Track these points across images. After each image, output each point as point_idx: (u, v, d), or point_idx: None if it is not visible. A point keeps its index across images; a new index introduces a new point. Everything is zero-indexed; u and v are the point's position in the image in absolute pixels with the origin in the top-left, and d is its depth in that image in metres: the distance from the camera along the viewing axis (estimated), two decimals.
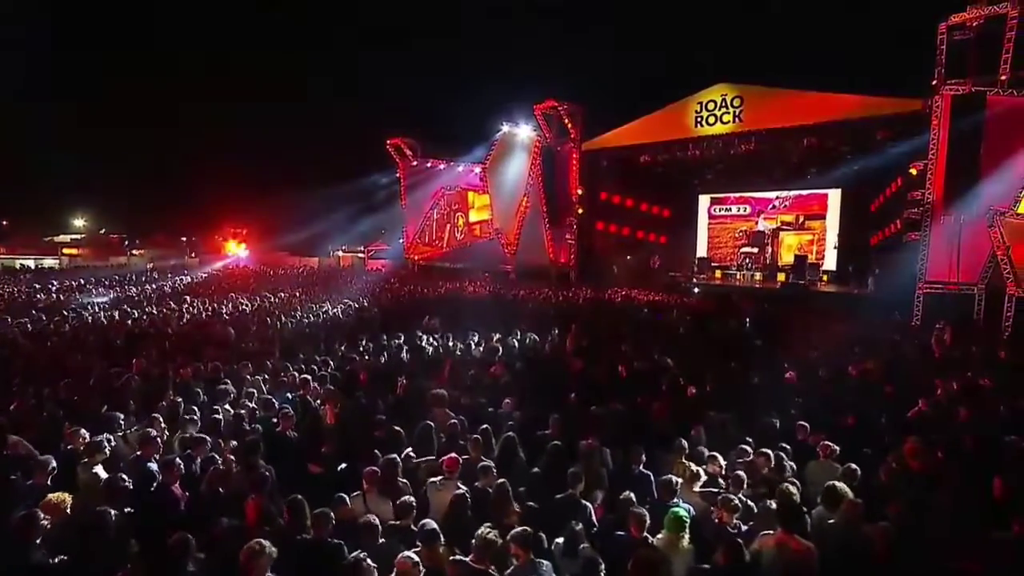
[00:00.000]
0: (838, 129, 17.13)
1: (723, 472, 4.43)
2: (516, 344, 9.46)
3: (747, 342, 9.97)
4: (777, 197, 23.00)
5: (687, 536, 3.41)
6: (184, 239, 39.63)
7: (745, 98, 18.58)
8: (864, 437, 5.52)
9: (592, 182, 23.69)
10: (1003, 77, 14.10)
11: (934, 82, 14.90)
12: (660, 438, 5.34)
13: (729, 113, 18.95)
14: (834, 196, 21.39)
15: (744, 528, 3.71)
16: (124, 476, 4.03)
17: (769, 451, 4.65)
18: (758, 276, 21.90)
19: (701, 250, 25.06)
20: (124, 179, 38.60)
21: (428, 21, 50.11)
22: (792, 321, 12.39)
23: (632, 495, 3.86)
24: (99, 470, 4.39)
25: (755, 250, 23.14)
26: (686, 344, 9.62)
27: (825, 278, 20.61)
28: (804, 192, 22.21)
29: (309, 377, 6.43)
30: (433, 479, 4.15)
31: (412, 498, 3.66)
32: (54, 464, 4.17)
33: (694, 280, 21.96)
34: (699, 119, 19.68)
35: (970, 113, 14.11)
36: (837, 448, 5.08)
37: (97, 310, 11.61)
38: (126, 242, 35.76)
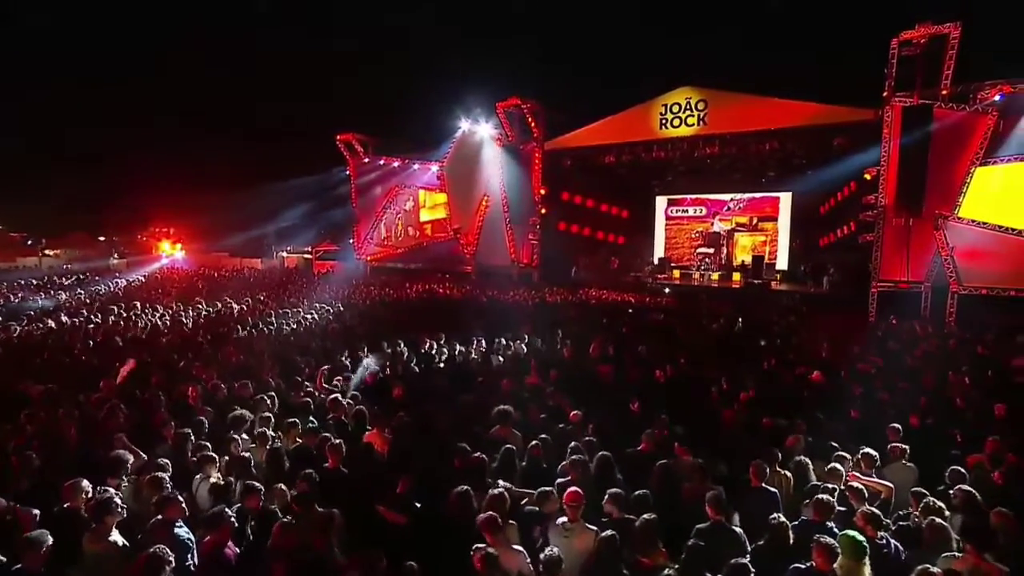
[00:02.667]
0: (798, 135, 17.91)
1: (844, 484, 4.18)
2: (526, 349, 8.98)
3: (753, 342, 10.03)
4: (732, 199, 23.88)
5: (868, 564, 3.09)
6: (103, 239, 35.33)
7: (709, 101, 19.05)
8: (931, 437, 5.51)
9: (555, 182, 23.52)
10: (944, 92, 15.29)
11: (885, 94, 15.93)
12: (736, 447, 5.11)
13: (694, 116, 19.36)
14: (785, 199, 22.50)
15: (904, 550, 3.45)
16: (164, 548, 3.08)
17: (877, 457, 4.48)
18: (715, 276, 22.59)
19: (659, 250, 25.59)
20: (24, 171, 34.12)
21: (382, 16, 48.25)
22: (778, 320, 12.71)
23: (781, 517, 3.50)
24: (116, 538, 3.38)
25: (711, 250, 23.93)
26: (697, 345, 9.53)
27: (779, 277, 21.61)
28: (757, 195, 23.20)
29: (339, 395, 5.55)
30: (556, 520, 3.57)
31: (556, 549, 3.08)
32: (50, 541, 3.09)
33: (654, 279, 22.35)
34: (664, 121, 19.99)
35: (919, 124, 15.14)
36: (907, 448, 5.04)
37: (26, 320, 9.81)
38: (29, 241, 31.35)
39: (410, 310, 12.85)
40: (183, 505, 3.61)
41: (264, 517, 3.63)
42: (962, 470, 4.36)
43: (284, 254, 32.55)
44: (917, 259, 15.81)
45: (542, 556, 3.03)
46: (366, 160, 28.70)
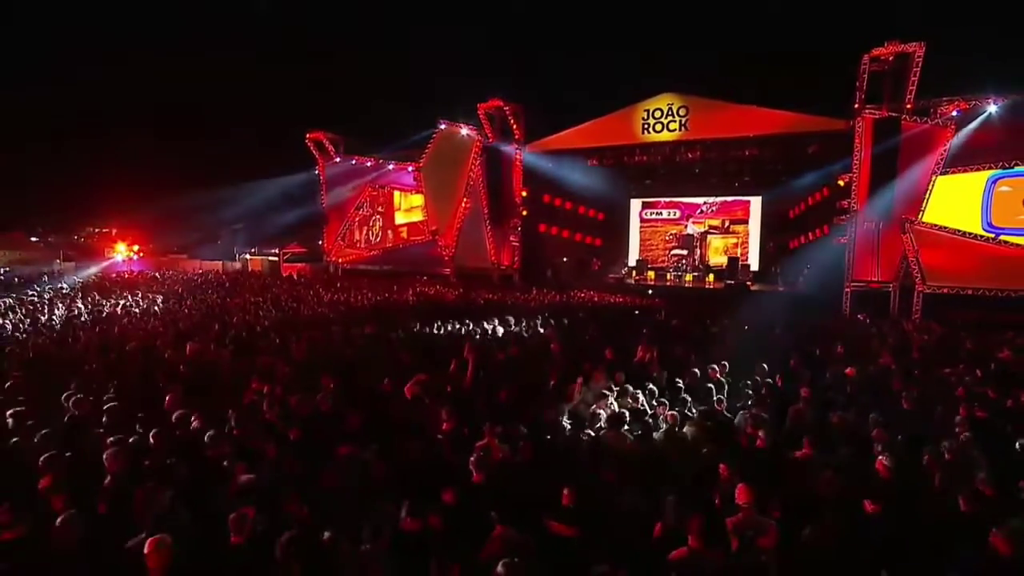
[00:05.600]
0: (775, 142, 18.82)
1: None
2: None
3: (765, 341, 10.43)
4: (704, 203, 24.76)
5: None
6: (36, 239, 32.07)
7: (691, 108, 19.67)
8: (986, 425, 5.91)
9: (536, 184, 23.61)
10: (908, 106, 16.52)
11: (856, 106, 17.04)
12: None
13: (675, 122, 19.93)
14: (755, 203, 23.57)
15: None
16: None
17: None
18: (688, 277, 23.27)
19: (634, 252, 26.17)
20: None
21: (356, 12, 46.57)
22: (773, 319, 13.23)
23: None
24: None
25: (685, 252, 24.75)
26: (720, 344, 9.80)
27: (752, 278, 22.59)
28: (729, 198, 24.17)
29: (451, 411, 5.22)
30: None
31: None
32: None
33: (637, 281, 22.87)
34: (646, 126, 20.47)
35: (889, 135, 16.28)
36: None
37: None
38: None
39: (418, 313, 12.52)
40: None
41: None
42: None
43: (247, 256, 30.97)
44: (886, 261, 16.99)
45: None
46: (337, 160, 27.81)
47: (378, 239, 27.75)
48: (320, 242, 28.56)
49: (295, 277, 25.42)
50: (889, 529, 3.68)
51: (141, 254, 29.66)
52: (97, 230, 35.81)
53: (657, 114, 20.23)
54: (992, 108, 15.69)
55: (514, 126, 22.87)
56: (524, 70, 35.91)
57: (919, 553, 3.61)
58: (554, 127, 22.70)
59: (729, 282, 21.44)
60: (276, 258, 30.20)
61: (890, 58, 16.35)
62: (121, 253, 28.77)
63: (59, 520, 3.00)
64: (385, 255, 27.48)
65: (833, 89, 18.33)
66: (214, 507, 3.49)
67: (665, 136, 20.20)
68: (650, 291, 20.50)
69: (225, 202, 29.42)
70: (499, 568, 2.84)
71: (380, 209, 27.63)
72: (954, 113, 16.13)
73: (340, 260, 28.40)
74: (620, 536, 3.52)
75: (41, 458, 3.74)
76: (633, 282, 22.60)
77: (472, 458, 4.05)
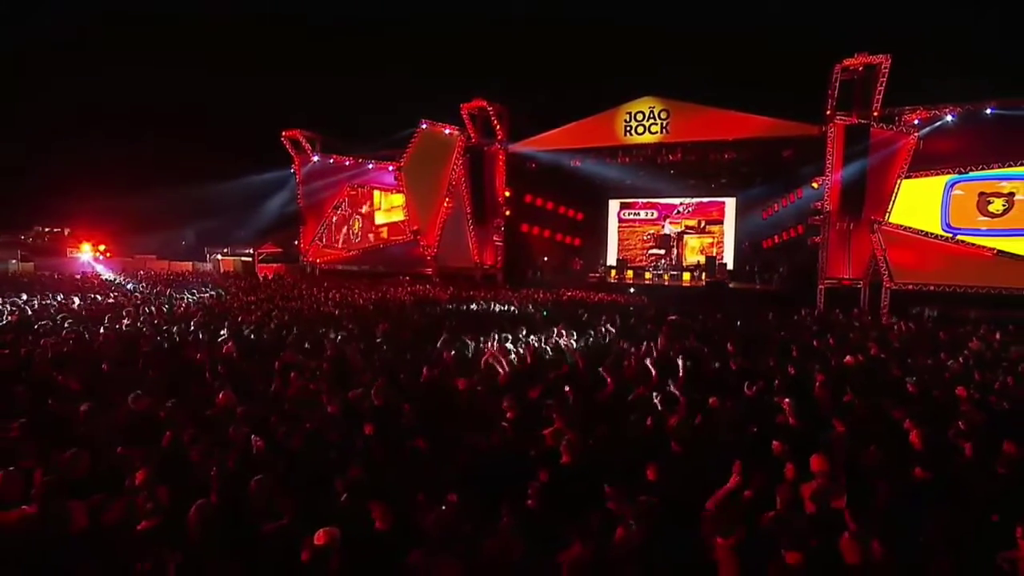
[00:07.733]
0: (752, 145, 19.67)
1: None
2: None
3: (766, 335, 11.01)
4: (681, 203, 25.58)
5: None
6: None
7: (671, 111, 20.32)
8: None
9: (518, 184, 23.84)
10: (875, 113, 17.62)
11: (828, 112, 18.04)
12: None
13: (657, 124, 20.54)
14: (730, 204, 24.53)
15: None
16: None
17: None
18: (666, 276, 23.97)
19: (612, 252, 26.77)
20: None
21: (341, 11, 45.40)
22: (763, 315, 13.91)
23: None
24: None
25: (662, 252, 25.51)
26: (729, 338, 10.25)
27: (728, 276, 23.49)
28: (705, 199, 25.07)
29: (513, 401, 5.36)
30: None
31: None
32: None
33: (619, 279, 23.43)
34: (628, 128, 20.99)
35: (859, 140, 17.33)
36: None
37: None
38: None
39: (429, 313, 12.54)
40: None
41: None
42: None
43: (219, 257, 29.93)
44: (857, 259, 18.06)
45: None
46: (314, 158, 27.29)
47: (357, 239, 27.37)
48: (296, 242, 27.96)
49: (271, 278, 24.78)
50: (940, 493, 4.08)
51: (108, 254, 28.24)
52: (48, 229, 33.87)
53: (639, 117, 20.77)
54: (949, 117, 16.94)
55: (497, 126, 23.02)
56: (508, 71, 36.03)
57: (972, 512, 4.02)
58: (537, 128, 22.97)
59: (708, 280, 22.24)
60: (250, 258, 29.36)
61: (859, 68, 17.41)
62: (86, 253, 27.27)
63: (194, 508, 3.02)
64: (364, 255, 27.16)
65: (807, 96, 19.29)
66: (329, 499, 3.56)
67: (647, 138, 20.76)
68: (631, 289, 21.06)
69: (192, 201, 28.43)
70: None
71: (360, 209, 27.27)
72: (916, 121, 17.29)
73: (318, 260, 27.90)
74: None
75: (134, 453, 3.71)
76: (614, 281, 23.13)
77: (564, 442, 4.26)
